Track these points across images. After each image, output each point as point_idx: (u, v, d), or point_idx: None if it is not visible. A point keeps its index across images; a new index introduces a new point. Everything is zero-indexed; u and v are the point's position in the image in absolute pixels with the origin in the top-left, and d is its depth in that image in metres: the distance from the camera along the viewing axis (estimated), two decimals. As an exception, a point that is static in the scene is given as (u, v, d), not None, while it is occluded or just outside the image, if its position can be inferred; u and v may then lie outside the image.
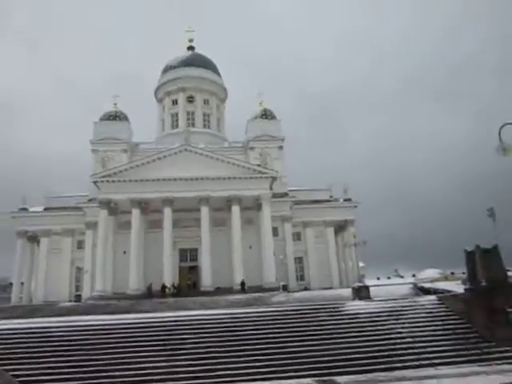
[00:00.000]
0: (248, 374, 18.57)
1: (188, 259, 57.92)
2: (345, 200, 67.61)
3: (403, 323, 22.57)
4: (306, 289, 56.40)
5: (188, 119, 73.27)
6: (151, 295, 47.60)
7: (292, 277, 59.72)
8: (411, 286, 41.54)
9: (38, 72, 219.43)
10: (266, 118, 67.89)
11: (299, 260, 63.83)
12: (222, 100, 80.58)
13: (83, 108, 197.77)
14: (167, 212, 53.03)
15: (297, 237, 64.34)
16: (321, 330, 22.20)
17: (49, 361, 20.20)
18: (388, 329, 22.13)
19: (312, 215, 64.80)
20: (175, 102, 75.63)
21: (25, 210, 64.34)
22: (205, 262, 52.31)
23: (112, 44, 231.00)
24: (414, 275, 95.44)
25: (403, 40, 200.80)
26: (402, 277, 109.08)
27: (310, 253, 64.11)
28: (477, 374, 16.70)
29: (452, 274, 77.50)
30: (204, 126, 74.23)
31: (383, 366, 18.40)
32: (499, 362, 18.68)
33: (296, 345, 20.71)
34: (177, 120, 74.49)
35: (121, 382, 18.72)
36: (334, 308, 25.25)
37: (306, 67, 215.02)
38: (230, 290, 48.92)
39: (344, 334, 21.76)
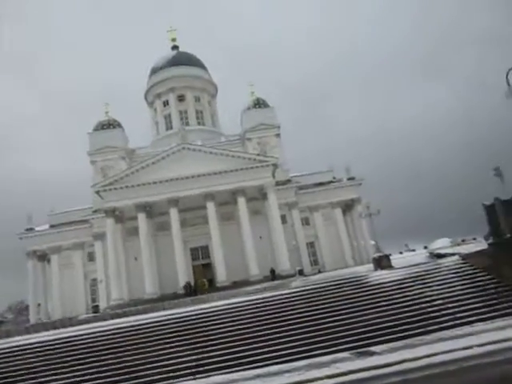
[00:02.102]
0: (283, 356, 18.33)
1: (200, 257, 57.74)
2: (348, 179, 67.22)
3: (430, 286, 22.28)
4: (319, 272, 56.21)
5: (181, 119, 72.89)
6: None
7: (306, 262, 59.65)
8: (427, 254, 41.24)
9: (23, 88, 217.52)
10: (260, 107, 67.39)
11: (311, 245, 63.64)
12: (212, 95, 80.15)
13: (74, 121, 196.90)
14: (173, 212, 52.76)
15: (305, 222, 64.15)
16: (349, 303, 21.94)
17: (82, 368, 19.99)
18: (416, 293, 21.86)
19: (318, 198, 64.56)
20: (166, 103, 75.21)
21: (31, 229, 64.10)
22: (217, 258, 52.13)
23: (94, 53, 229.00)
24: (425, 247, 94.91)
25: (384, 15, 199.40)
26: (413, 250, 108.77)
27: (320, 236, 63.91)
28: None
29: (463, 241, 77.14)
30: (198, 124, 73.84)
31: (418, 331, 18.13)
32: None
33: (326, 321, 20.47)
34: (170, 121, 74.12)
35: (155, 379, 18.51)
36: (357, 280, 24.98)
37: (291, 53, 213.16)
38: (246, 283, 48.68)
39: (372, 304, 21.49)
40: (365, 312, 20.63)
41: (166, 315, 24.60)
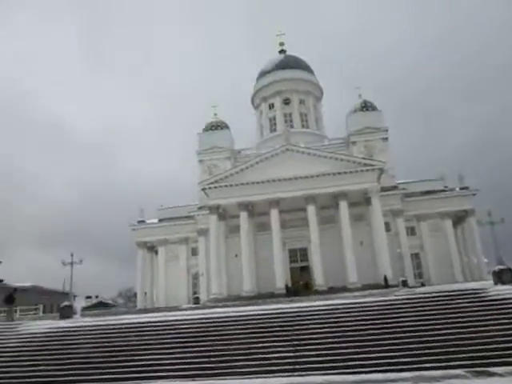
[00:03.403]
0: (384, 365, 17.17)
1: (298, 259, 57.33)
2: (461, 188, 62.18)
3: None
4: (423, 285, 52.49)
5: (286, 121, 73.25)
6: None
7: (409, 273, 56.14)
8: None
9: (139, 96, 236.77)
10: (367, 109, 65.26)
11: (415, 256, 59.91)
12: (317, 98, 79.54)
13: (181, 124, 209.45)
14: (274, 213, 53.14)
15: (410, 231, 60.56)
16: (464, 316, 19.98)
17: (181, 351, 20.70)
18: (545, 313, 19.18)
19: (426, 207, 60.60)
20: (272, 106, 76.27)
21: (142, 222, 68.88)
22: (315, 261, 51.37)
23: (204, 57, 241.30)
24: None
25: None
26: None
27: (426, 247, 59.95)
28: None
29: None
30: (302, 126, 73.68)
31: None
32: None
33: (436, 333, 18.81)
34: (275, 124, 74.97)
35: (252, 371, 18.46)
36: (474, 294, 22.67)
37: (399, 59, 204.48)
38: (344, 289, 47.25)
39: (492, 320, 19.28)
40: (482, 329, 18.57)
41: (265, 309, 24.56)
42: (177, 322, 24.33)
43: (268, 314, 23.93)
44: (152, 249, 69.97)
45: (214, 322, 23.46)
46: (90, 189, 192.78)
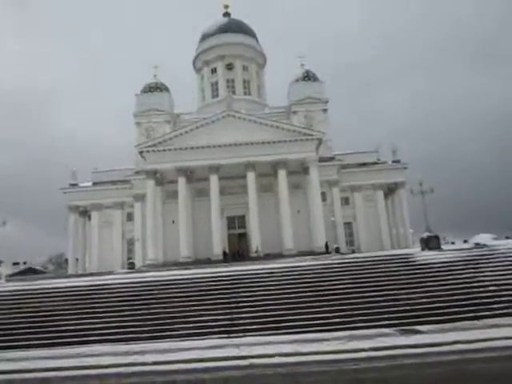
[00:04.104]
0: (320, 325, 17.71)
1: (236, 226, 57.58)
2: (394, 162, 64.99)
3: (483, 272, 20.96)
4: (353, 252, 54.90)
5: (228, 87, 71.87)
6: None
7: (341, 241, 58.40)
8: (473, 245, 39.29)
9: (77, 59, 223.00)
10: (309, 79, 65.50)
11: (348, 225, 62.40)
12: (261, 66, 78.64)
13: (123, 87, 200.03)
14: (213, 179, 52.60)
15: (345, 202, 62.76)
16: (393, 280, 21.03)
17: (115, 315, 20.13)
18: (467, 277, 20.69)
19: (360, 179, 62.93)
20: (214, 71, 74.43)
21: (75, 185, 65.75)
22: (253, 229, 51.83)
23: (146, 19, 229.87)
24: (465, 241, 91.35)
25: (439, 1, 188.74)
26: (453, 243, 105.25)
27: (358, 217, 62.58)
28: None
29: (507, 238, 73.39)
30: (244, 94, 72.82)
31: (469, 315, 17.07)
32: None
33: (369, 295, 19.65)
34: (217, 89, 73.43)
35: (188, 334, 18.36)
36: (404, 258, 23.91)
37: (342, 37, 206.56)
38: (280, 255, 48.26)
39: (419, 283, 20.49)
40: (410, 291, 19.71)
41: (202, 273, 24.41)
42: (110, 286, 23.59)
43: (205, 277, 23.81)
44: (85, 213, 67.28)
45: (149, 286, 23.01)
46: (22, 150, 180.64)
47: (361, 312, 18.05)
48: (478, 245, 38.37)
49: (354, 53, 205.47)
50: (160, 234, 54.93)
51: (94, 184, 65.63)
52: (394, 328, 16.32)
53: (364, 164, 64.26)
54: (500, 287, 19.41)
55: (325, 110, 63.91)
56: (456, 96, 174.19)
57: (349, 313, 18.58)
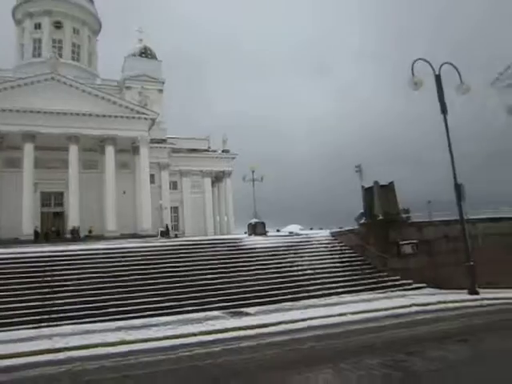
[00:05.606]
0: (147, 310, 16.88)
1: (52, 204, 51.93)
2: (223, 151, 67.11)
3: (302, 256, 22.95)
4: (176, 236, 55.00)
5: (54, 47, 64.02)
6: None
7: (168, 225, 57.87)
8: (287, 233, 43.19)
9: None
10: (146, 56, 62.90)
11: (174, 210, 62.18)
12: (94, 32, 72.20)
13: None
14: (28, 149, 46.40)
15: (173, 186, 62.33)
16: (221, 263, 21.40)
17: None
18: (289, 261, 22.35)
19: (190, 164, 63.29)
20: (38, 26, 65.36)
21: None
22: (72, 207, 47.55)
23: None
24: (278, 230, 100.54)
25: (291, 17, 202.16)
26: (278, 230, 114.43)
27: (185, 203, 62.91)
28: (377, 299, 17.57)
29: (311, 229, 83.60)
30: (73, 59, 65.89)
31: (289, 297, 18.44)
32: (394, 288, 20.14)
33: (196, 278, 19.59)
34: (40, 47, 64.69)
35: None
36: (232, 242, 24.61)
37: (187, 22, 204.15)
38: (101, 237, 45.29)
39: (245, 267, 21.33)
40: (237, 274, 20.38)
41: (6, 253, 21.07)
42: None
43: (10, 258, 20.61)
44: None
45: None
46: None
47: (191, 296, 17.89)
48: (291, 233, 42.53)
49: (198, 43, 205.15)
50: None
51: None
52: (224, 310, 16.58)
53: (195, 150, 64.83)
54: (315, 271, 21.54)
55: (160, 91, 62.30)
56: (295, 102, 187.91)
57: (178, 297, 18.24)
